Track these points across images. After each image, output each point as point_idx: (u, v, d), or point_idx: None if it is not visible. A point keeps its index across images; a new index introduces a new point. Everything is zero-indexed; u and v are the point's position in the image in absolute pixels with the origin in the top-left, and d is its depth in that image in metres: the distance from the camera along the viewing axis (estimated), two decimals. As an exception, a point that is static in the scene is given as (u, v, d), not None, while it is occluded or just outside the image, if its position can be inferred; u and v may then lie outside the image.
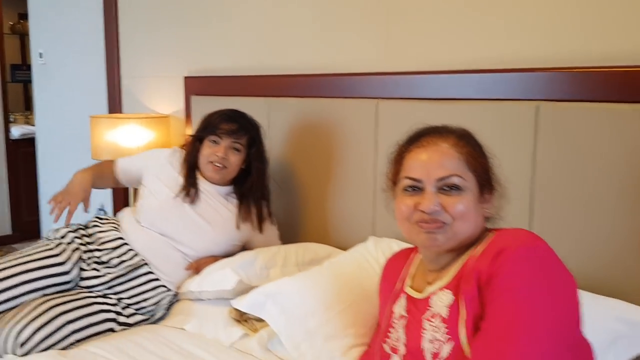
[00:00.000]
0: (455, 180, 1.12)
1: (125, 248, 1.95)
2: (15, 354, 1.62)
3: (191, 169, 2.03)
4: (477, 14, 1.71)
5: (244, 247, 2.08)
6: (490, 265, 1.03)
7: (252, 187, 2.03)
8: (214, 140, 1.99)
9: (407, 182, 1.15)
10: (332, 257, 1.82)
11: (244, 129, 2.00)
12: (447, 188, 1.12)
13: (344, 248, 1.88)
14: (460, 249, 1.15)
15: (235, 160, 1.99)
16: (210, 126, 2.00)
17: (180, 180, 2.02)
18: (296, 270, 1.84)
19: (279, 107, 2.26)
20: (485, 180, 1.17)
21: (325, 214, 2.14)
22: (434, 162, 1.13)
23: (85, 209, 2.10)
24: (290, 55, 2.29)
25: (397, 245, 1.68)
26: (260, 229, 2.05)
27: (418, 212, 1.12)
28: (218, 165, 1.97)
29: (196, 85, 2.67)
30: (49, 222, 3.77)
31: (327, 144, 2.09)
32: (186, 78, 2.71)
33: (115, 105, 3.27)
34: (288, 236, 2.18)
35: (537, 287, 0.98)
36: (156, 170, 2.10)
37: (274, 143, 2.26)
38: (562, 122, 1.48)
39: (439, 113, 1.73)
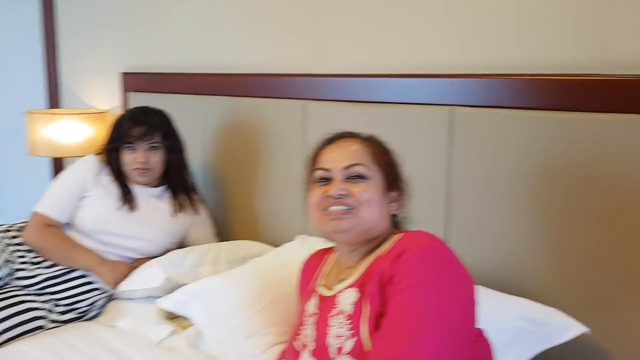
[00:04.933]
0: (359, 169, 1.22)
1: None
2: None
3: (119, 178, 2.04)
4: (403, 20, 1.77)
5: (182, 245, 2.10)
6: (392, 266, 1.10)
7: (175, 178, 2.09)
8: (130, 147, 2.00)
9: (318, 173, 1.25)
10: (263, 254, 1.86)
11: (154, 127, 2.01)
12: (353, 177, 1.21)
13: (276, 246, 1.92)
14: (371, 248, 1.22)
15: (157, 159, 2.02)
16: (122, 135, 2.00)
17: (110, 188, 2.02)
18: (227, 268, 1.88)
19: (214, 106, 2.29)
20: (391, 177, 1.26)
21: (255, 212, 2.18)
22: (342, 155, 1.24)
23: None
24: (224, 54, 2.32)
25: (323, 245, 1.72)
26: (196, 210, 2.12)
27: (326, 198, 1.21)
28: (143, 169, 2.01)
29: (133, 82, 2.67)
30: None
31: (258, 142, 2.14)
32: (123, 74, 2.71)
33: (53, 100, 3.22)
34: (221, 234, 2.22)
35: (430, 286, 1.05)
36: (85, 185, 2.05)
37: (207, 141, 2.29)
38: (473, 126, 1.57)
39: (362, 115, 1.79)
